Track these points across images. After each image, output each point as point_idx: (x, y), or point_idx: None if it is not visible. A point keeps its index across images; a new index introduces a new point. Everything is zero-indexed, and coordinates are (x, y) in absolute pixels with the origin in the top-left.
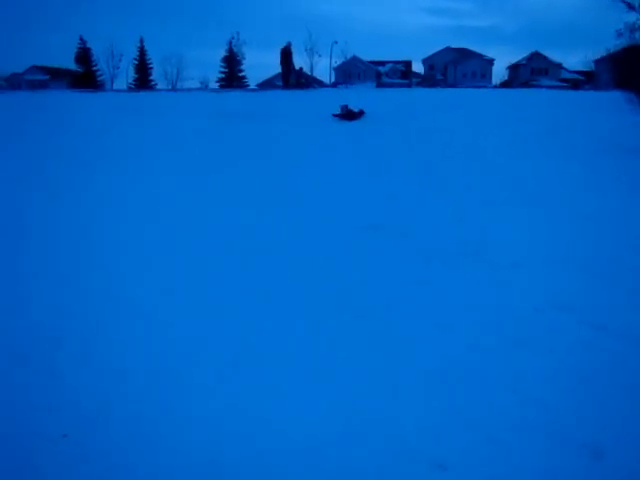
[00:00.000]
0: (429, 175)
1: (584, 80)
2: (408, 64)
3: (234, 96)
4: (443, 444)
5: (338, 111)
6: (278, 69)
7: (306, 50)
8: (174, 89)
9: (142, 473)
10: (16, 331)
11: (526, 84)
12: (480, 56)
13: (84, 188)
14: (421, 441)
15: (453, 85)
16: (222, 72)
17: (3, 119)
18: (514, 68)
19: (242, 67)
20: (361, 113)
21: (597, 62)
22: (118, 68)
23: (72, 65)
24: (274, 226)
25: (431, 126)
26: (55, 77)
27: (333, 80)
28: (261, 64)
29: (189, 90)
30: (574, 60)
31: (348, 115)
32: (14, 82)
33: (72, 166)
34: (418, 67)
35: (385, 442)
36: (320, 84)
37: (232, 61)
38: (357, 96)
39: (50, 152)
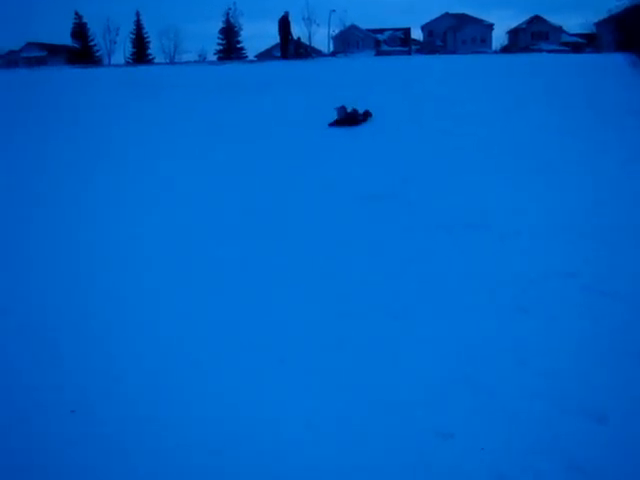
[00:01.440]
0: (430, 146)
1: (585, 43)
2: (407, 31)
3: (232, 68)
4: (448, 412)
5: (334, 116)
6: (277, 39)
7: (304, 19)
8: (172, 62)
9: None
10: (22, 315)
11: (526, 49)
12: (480, 22)
13: (91, 168)
14: (426, 409)
15: (453, 52)
16: (220, 44)
17: (3, 98)
18: (514, 33)
19: (240, 38)
20: (367, 115)
21: (598, 24)
22: (115, 43)
23: (68, 41)
24: (278, 200)
25: (434, 96)
26: (52, 53)
27: (331, 49)
28: (259, 35)
29: (187, 63)
30: (575, 23)
31: (350, 120)
32: (10, 60)
33: (77, 145)
34: (417, 34)
35: (391, 411)
36: (318, 54)
37: (230, 33)
38: (354, 64)
39: (53, 132)
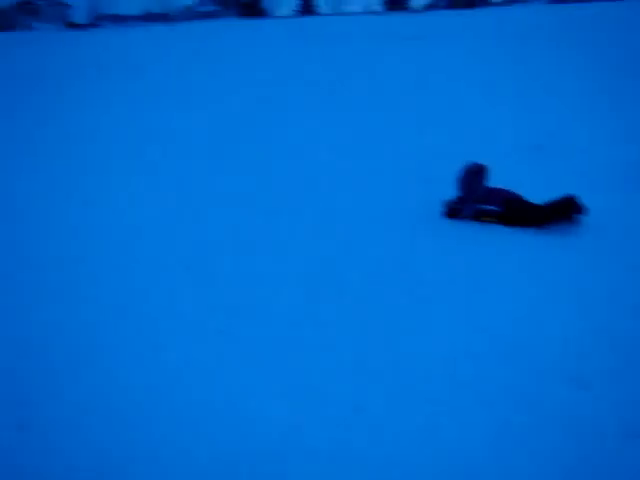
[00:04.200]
0: None
1: None
2: None
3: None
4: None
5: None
6: None
7: None
8: (337, 13)
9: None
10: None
11: None
12: None
13: None
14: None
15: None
16: None
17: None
18: None
19: None
20: (568, 210)
21: None
22: None
23: None
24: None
25: None
26: (225, 7)
27: None
28: None
29: (355, 14)
30: None
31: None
32: (186, 14)
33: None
34: None
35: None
36: None
37: None
38: None
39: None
